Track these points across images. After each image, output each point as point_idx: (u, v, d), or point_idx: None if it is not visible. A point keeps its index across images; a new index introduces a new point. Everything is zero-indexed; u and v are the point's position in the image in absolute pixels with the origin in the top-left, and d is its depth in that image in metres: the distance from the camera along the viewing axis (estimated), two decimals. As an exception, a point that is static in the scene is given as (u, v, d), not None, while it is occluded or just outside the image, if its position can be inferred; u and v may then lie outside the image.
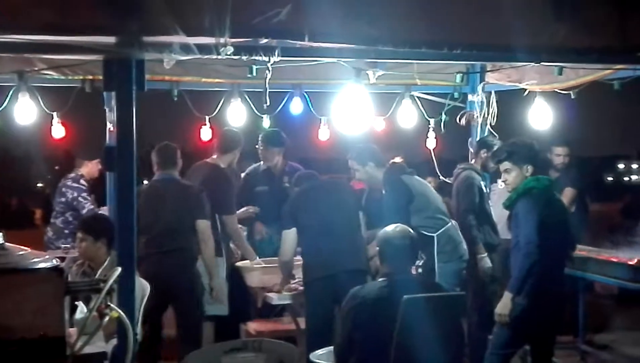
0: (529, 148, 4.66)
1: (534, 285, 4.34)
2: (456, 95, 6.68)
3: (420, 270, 5.37)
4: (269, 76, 3.89)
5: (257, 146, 6.46)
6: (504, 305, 4.41)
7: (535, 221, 4.33)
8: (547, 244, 4.32)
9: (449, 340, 3.75)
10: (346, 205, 5.28)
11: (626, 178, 50.78)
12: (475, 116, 6.78)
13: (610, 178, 48.39)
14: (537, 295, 4.34)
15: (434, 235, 5.36)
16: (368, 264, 5.13)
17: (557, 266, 4.45)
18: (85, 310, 3.61)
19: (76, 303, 3.74)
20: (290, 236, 5.18)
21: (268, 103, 4.02)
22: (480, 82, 6.67)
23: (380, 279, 3.89)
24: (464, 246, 5.46)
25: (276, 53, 3.69)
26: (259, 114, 6.37)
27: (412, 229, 5.16)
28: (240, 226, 5.96)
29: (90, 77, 5.65)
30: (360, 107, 4.41)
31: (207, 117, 6.41)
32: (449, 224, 5.47)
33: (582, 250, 5.85)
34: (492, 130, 6.80)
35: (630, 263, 5.31)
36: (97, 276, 4.25)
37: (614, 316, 8.05)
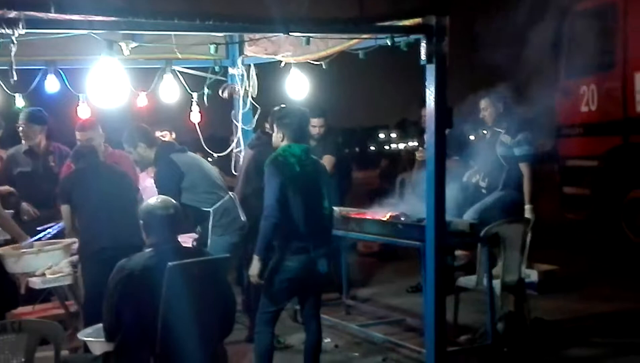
0: (279, 116, 4.82)
1: (287, 246, 4.55)
2: (217, 69, 6.78)
3: (195, 244, 5.48)
4: (14, 50, 3.71)
5: (16, 125, 6.21)
6: (252, 267, 4.59)
7: (275, 186, 4.50)
8: (295, 206, 4.52)
9: (216, 303, 3.86)
10: (123, 185, 5.24)
11: (386, 147, 54.40)
12: (237, 89, 6.95)
13: (372, 147, 51.48)
14: (292, 255, 4.55)
15: (210, 209, 5.45)
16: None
17: (310, 226, 4.60)
18: None
19: None
20: (66, 211, 5.20)
21: (15, 78, 3.84)
22: (240, 56, 6.85)
23: (147, 250, 3.89)
24: (242, 218, 5.59)
25: (20, 25, 3.54)
26: (9, 92, 6.03)
27: (187, 205, 5.30)
28: None
29: None
30: (115, 81, 4.35)
31: (-51, 99, 5.96)
32: (226, 197, 5.58)
33: (343, 211, 6.22)
34: (254, 102, 7.01)
35: (383, 219, 5.75)
36: None
37: (375, 272, 8.72)
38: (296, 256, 4.55)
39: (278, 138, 4.72)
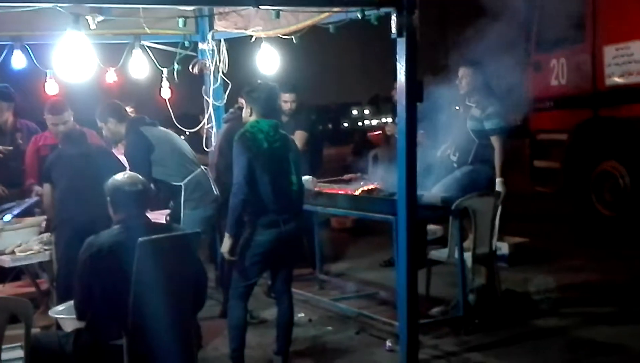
0: (248, 90, 4.76)
1: (258, 221, 4.54)
2: (187, 44, 6.71)
3: (168, 219, 5.45)
4: (-22, 24, 3.65)
5: None
6: (224, 244, 4.61)
7: (242, 162, 4.48)
8: (263, 182, 4.51)
9: (187, 278, 3.84)
10: (104, 163, 5.13)
11: (360, 123, 54.42)
12: (207, 65, 6.90)
13: (345, 124, 51.51)
14: (263, 229, 4.54)
15: (182, 183, 5.42)
16: None
17: (279, 201, 4.58)
18: None
19: None
20: (47, 189, 5.26)
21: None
22: (210, 30, 6.79)
23: (115, 226, 3.85)
24: (215, 191, 5.57)
25: (-16, -1, 3.48)
26: (-25, 69, 5.96)
27: (158, 180, 5.26)
28: None
29: None
30: (82, 56, 4.27)
31: None
32: (198, 171, 5.54)
33: (315, 186, 6.21)
34: (224, 78, 6.96)
35: (355, 193, 5.76)
36: None
37: (348, 247, 8.75)
38: (267, 230, 4.55)
39: (247, 113, 4.69)
